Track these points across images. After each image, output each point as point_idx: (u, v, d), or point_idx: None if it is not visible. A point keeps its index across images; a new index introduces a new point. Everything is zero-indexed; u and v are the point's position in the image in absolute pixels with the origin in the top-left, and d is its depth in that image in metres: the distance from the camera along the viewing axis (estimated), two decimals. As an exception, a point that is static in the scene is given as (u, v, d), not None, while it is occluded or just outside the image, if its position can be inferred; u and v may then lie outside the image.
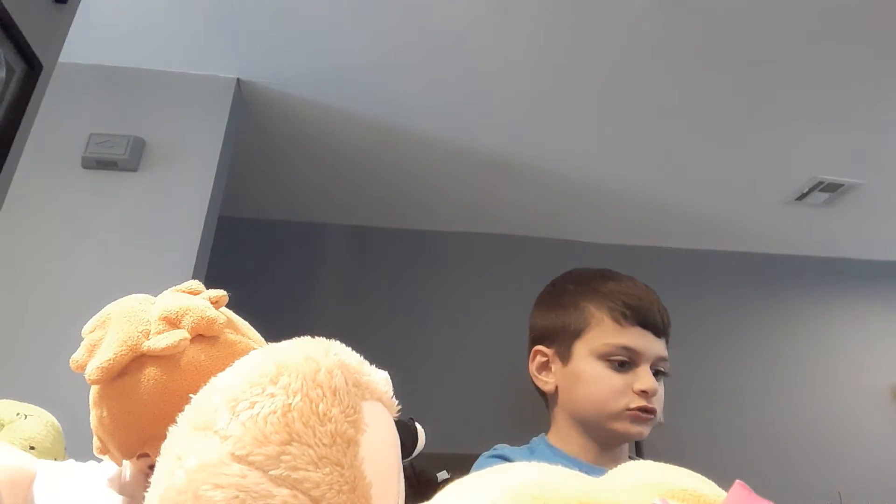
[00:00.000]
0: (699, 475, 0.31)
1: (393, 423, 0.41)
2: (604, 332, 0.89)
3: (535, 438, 0.97)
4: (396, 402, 0.42)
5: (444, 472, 0.94)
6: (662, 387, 0.91)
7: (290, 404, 0.33)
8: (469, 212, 2.77)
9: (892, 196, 2.60)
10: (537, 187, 2.57)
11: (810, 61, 1.90)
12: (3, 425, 0.84)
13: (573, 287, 0.96)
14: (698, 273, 3.00)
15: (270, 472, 0.31)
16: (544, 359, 0.94)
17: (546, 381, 0.93)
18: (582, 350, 0.89)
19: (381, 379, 0.41)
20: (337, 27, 1.81)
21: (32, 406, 0.90)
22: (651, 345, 0.88)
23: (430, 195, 2.64)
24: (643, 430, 0.88)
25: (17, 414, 0.86)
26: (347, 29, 1.81)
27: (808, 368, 2.87)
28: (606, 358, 0.88)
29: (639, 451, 2.36)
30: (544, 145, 2.32)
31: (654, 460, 0.33)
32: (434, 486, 0.84)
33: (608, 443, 0.90)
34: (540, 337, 0.96)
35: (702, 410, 2.65)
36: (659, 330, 0.90)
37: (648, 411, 0.86)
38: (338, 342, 0.40)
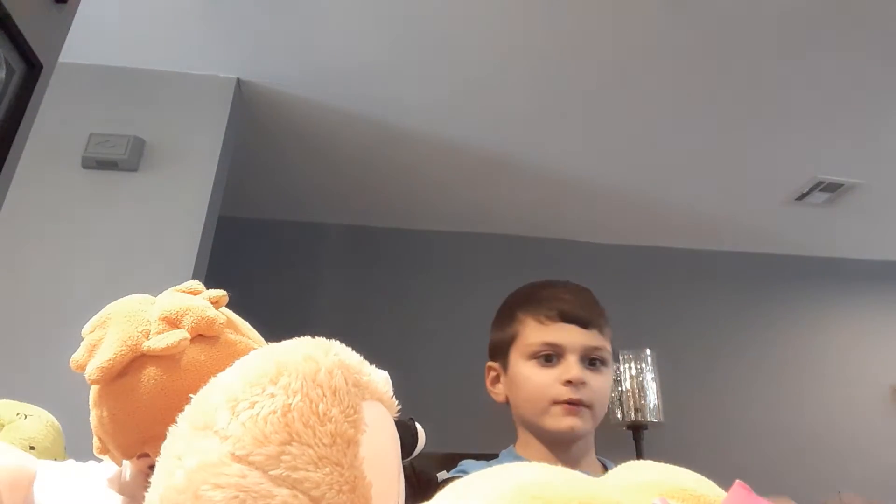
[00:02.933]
0: (699, 475, 0.31)
1: (393, 423, 0.41)
2: (529, 334, 0.92)
3: (503, 451, 0.98)
4: (396, 402, 0.42)
5: (444, 471, 0.94)
6: (602, 375, 0.91)
7: (290, 404, 0.33)
8: (469, 212, 2.77)
9: (892, 196, 2.60)
10: (537, 187, 2.57)
11: (810, 61, 1.90)
12: (3, 425, 0.84)
13: (512, 301, 1.00)
14: (698, 273, 3.00)
15: (270, 472, 0.31)
16: (495, 373, 0.99)
17: (497, 393, 0.98)
18: (515, 355, 0.94)
19: (381, 379, 0.41)
20: (337, 27, 1.81)
21: (32, 406, 0.90)
22: (575, 337, 0.90)
23: (430, 195, 2.64)
24: (574, 424, 0.87)
25: (17, 414, 0.86)
26: (347, 29, 1.81)
27: (807, 368, 2.87)
28: (534, 357, 0.91)
29: (639, 451, 2.37)
30: (544, 145, 2.32)
31: (654, 460, 0.33)
32: (434, 486, 0.84)
33: (554, 442, 0.90)
34: (490, 353, 1.01)
35: (701, 410, 2.65)
36: (584, 322, 0.91)
37: (576, 402, 0.86)
38: (338, 342, 0.40)
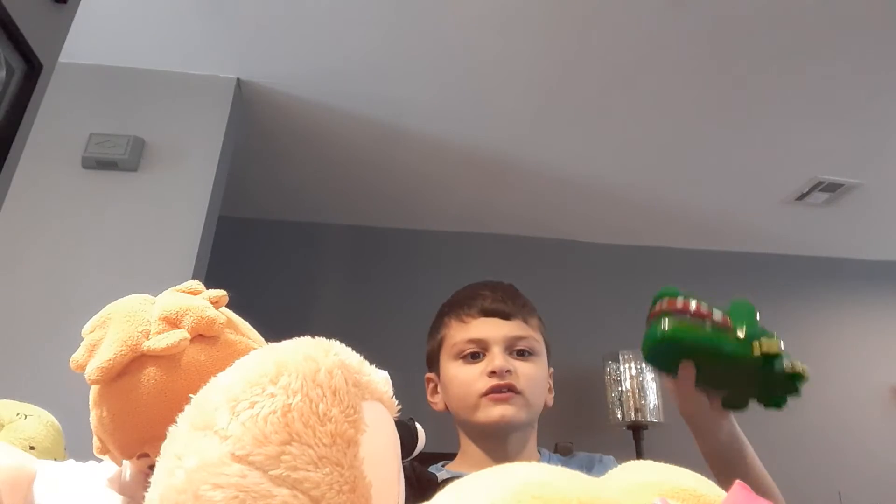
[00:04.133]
0: (699, 475, 0.31)
1: (393, 423, 0.41)
2: (452, 334, 0.93)
3: (431, 468, 0.96)
4: (396, 402, 0.42)
5: (445, 471, 0.94)
6: (532, 364, 0.90)
7: (290, 404, 0.33)
8: (469, 212, 2.77)
9: (892, 196, 2.60)
10: (537, 187, 2.57)
11: (810, 62, 1.91)
12: (3, 425, 0.84)
13: (440, 309, 1.00)
14: (698, 273, 3.00)
15: (270, 472, 0.31)
16: (433, 384, 0.98)
17: (436, 403, 0.97)
18: (444, 359, 0.93)
19: (381, 379, 0.41)
20: (337, 27, 1.81)
21: (32, 406, 0.90)
22: (497, 329, 0.89)
23: (430, 195, 2.64)
24: (505, 412, 0.85)
25: (17, 414, 0.86)
26: (348, 29, 1.81)
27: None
28: (460, 356, 0.90)
29: (639, 451, 2.37)
30: (544, 145, 2.32)
31: (654, 460, 0.33)
32: (434, 486, 0.84)
33: (490, 438, 0.89)
34: (427, 365, 1.01)
35: (702, 410, 2.64)
36: (505, 314, 0.90)
37: (502, 389, 0.85)
38: (338, 342, 0.40)
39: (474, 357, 0.89)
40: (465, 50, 1.89)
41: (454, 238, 2.90)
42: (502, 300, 0.92)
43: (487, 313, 0.91)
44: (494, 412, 0.85)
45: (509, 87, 2.04)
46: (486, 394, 0.86)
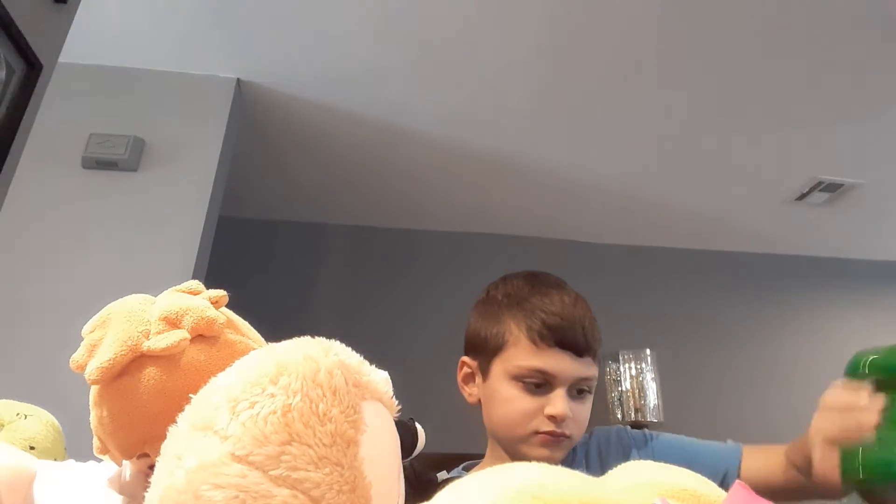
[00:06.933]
0: (699, 475, 0.31)
1: (393, 423, 0.41)
2: (519, 353, 0.86)
3: (454, 471, 0.93)
4: (396, 402, 0.42)
5: (444, 472, 0.94)
6: (586, 404, 0.87)
7: (290, 404, 0.33)
8: (469, 212, 2.77)
9: (892, 196, 2.60)
10: (537, 187, 2.57)
11: (811, 62, 1.90)
12: (3, 425, 0.84)
13: (501, 298, 0.93)
14: (698, 273, 3.00)
15: (270, 472, 0.31)
16: (469, 371, 0.93)
17: (470, 393, 0.92)
18: (498, 369, 0.87)
19: (381, 379, 0.41)
20: (337, 28, 1.81)
21: (32, 406, 0.90)
22: (568, 367, 0.84)
23: (430, 195, 2.64)
24: (552, 454, 0.83)
25: (17, 414, 0.86)
26: (348, 29, 1.81)
27: (807, 368, 2.86)
28: (521, 379, 0.84)
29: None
30: (544, 145, 2.32)
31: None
32: (434, 486, 0.84)
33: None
34: (467, 347, 0.95)
35: (701, 410, 2.64)
36: (580, 349, 0.85)
37: (557, 436, 0.83)
38: (338, 342, 0.40)
39: (538, 387, 0.84)
40: (465, 50, 1.88)
41: (454, 238, 2.90)
42: (582, 332, 0.86)
43: (564, 346, 0.84)
44: (542, 453, 0.83)
45: (509, 88, 2.03)
46: (539, 433, 0.83)
